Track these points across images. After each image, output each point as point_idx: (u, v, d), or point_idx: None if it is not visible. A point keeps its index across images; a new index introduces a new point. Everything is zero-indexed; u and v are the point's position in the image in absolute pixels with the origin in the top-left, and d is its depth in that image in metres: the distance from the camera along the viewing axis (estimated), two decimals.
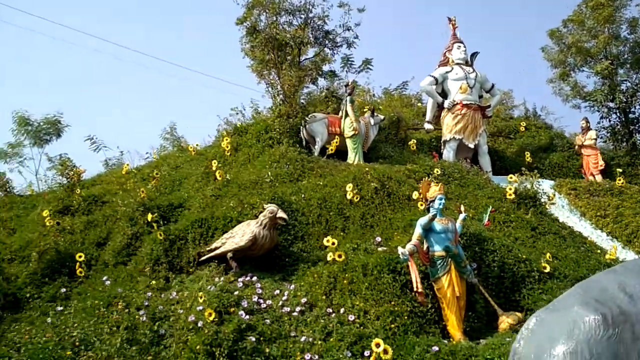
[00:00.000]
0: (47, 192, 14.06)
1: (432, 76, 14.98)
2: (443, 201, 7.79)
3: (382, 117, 14.01)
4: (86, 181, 14.27)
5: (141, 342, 6.84)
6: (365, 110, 14.39)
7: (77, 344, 6.57)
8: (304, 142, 13.23)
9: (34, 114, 16.70)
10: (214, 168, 11.69)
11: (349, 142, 13.18)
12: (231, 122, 16.56)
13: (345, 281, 7.82)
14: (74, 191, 12.53)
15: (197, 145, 15.52)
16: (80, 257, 9.77)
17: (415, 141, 14.33)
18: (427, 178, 9.38)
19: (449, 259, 7.60)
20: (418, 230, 7.63)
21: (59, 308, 8.56)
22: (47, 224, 11.15)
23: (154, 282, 8.80)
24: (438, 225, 7.64)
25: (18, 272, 9.81)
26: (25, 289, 9.35)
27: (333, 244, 8.41)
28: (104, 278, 9.03)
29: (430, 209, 7.83)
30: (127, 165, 14.79)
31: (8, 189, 14.41)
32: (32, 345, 6.66)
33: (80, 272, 9.66)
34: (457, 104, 14.62)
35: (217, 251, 8.89)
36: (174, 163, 14.84)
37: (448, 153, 14.36)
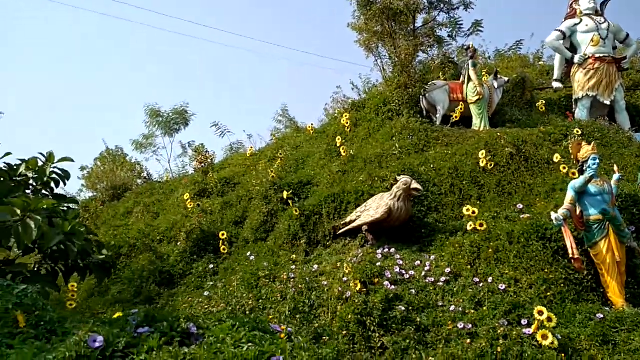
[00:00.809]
0: (182, 178, 15.08)
1: (560, 30, 13.86)
2: (597, 161, 7.22)
3: (506, 79, 13.26)
4: (215, 165, 15.07)
5: (302, 311, 7.14)
6: (484, 74, 13.71)
7: (247, 312, 7.00)
8: (424, 112, 12.90)
9: (163, 106, 17.99)
10: (338, 144, 11.81)
11: (473, 108, 12.64)
12: (338, 99, 16.66)
13: (490, 250, 7.57)
14: (208, 175, 13.31)
15: (311, 125, 15.79)
16: (222, 235, 10.41)
17: (543, 102, 13.41)
18: (577, 138, 8.76)
19: (606, 223, 7.06)
20: (570, 194, 7.15)
21: (210, 283, 9.22)
22: (189, 206, 11.99)
23: (294, 255, 9.14)
24: (593, 187, 7.11)
25: (169, 252, 10.67)
26: (177, 266, 10.15)
27: (473, 212, 8.17)
28: (248, 253, 9.54)
29: (587, 169, 7.28)
30: (251, 148, 15.41)
31: (147, 177, 15.65)
32: (212, 315, 7.19)
33: (224, 249, 10.29)
34: (588, 58, 13.42)
35: (353, 224, 9.01)
36: (293, 143, 15.20)
37: (581, 112, 13.28)
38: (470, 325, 6.46)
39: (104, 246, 6.49)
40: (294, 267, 8.58)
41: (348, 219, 9.17)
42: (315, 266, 8.49)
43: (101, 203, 14.62)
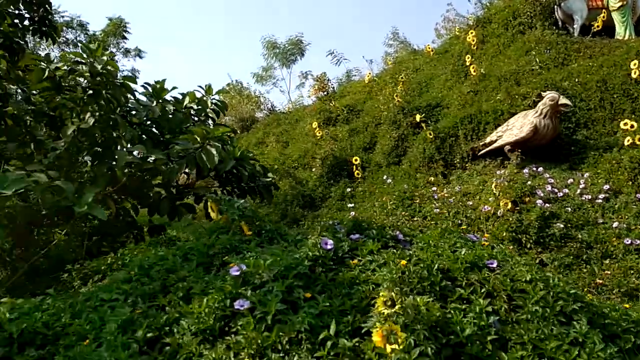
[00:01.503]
0: (304, 107, 15.42)
1: None
2: None
3: None
4: (334, 94, 15.19)
5: (450, 230, 7.24)
6: None
7: None
8: (559, 23, 11.92)
9: (279, 38, 18.24)
10: (467, 63, 11.35)
11: (615, 15, 11.46)
12: (450, 18, 15.79)
13: None
14: (332, 103, 13.50)
15: (429, 46, 15.23)
16: (356, 160, 10.65)
17: None
18: None
19: None
20: None
21: (350, 205, 9.59)
22: (317, 134, 12.33)
23: (432, 178, 9.18)
24: None
25: (306, 177, 11.17)
26: (316, 190, 10.64)
27: (631, 127, 7.62)
28: (384, 177, 9.74)
29: None
30: (369, 74, 15.29)
31: (271, 108, 16.20)
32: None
33: (358, 174, 10.57)
34: None
35: (494, 145, 8.81)
36: (412, 67, 14.84)
37: None
38: (638, 241, 6.21)
39: (268, 170, 6.94)
40: (434, 188, 8.65)
41: (488, 140, 8.96)
42: (457, 187, 8.49)
43: (232, 134, 15.41)
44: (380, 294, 2.33)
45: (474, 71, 11.10)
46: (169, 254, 3.60)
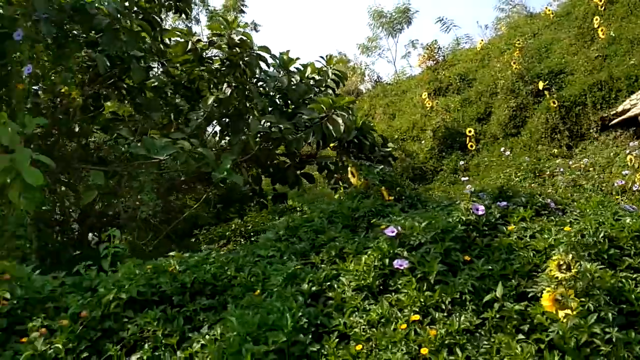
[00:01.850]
0: (411, 78, 15.15)
1: None
2: None
3: None
4: (444, 62, 14.75)
5: None
6: None
7: None
8: None
9: (386, 7, 17.88)
10: (595, 25, 10.50)
11: None
12: None
13: None
14: (442, 72, 13.13)
15: (548, 8, 14.22)
16: (470, 132, 10.34)
17: None
18: None
19: None
20: None
21: (464, 178, 9.36)
22: (427, 105, 12.09)
23: (555, 150, 8.71)
24: None
25: (417, 150, 11.04)
26: (427, 163, 10.50)
27: None
28: (502, 149, 9.38)
29: None
30: (482, 41, 14.64)
31: (377, 79, 16.09)
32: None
33: (471, 146, 10.27)
34: None
35: (627, 114, 8.14)
36: (529, 31, 13.97)
37: None
38: None
39: (387, 140, 6.96)
40: (558, 161, 8.21)
41: (620, 108, 8.30)
42: (585, 160, 7.98)
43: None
44: (554, 257, 2.27)
45: (603, 34, 10.25)
46: (314, 216, 3.76)
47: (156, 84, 6.14)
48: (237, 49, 5.37)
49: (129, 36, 4.67)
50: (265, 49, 5.72)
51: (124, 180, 5.76)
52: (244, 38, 5.45)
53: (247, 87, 5.63)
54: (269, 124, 5.96)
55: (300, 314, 2.49)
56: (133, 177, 5.48)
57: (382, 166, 4.07)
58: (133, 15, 5.03)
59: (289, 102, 6.65)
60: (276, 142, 6.24)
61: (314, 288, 2.78)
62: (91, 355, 2.85)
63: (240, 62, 5.39)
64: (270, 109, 6.42)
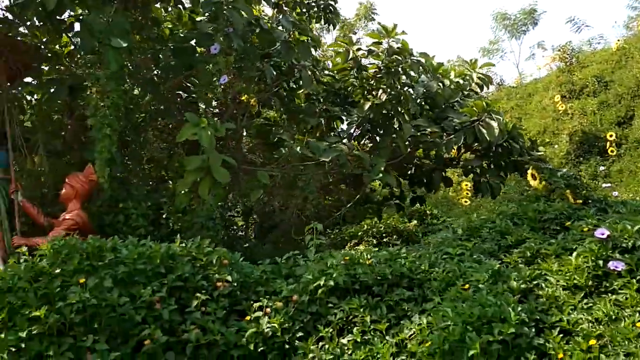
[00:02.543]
0: (536, 81, 14.60)
1: None
2: None
3: None
4: (575, 64, 14.06)
5: None
6: None
7: None
8: None
9: (510, 9, 17.35)
10: None
11: None
12: None
13: None
14: (573, 74, 12.55)
15: None
16: (610, 136, 9.81)
17: None
18: None
19: None
20: None
21: (605, 185, 8.89)
22: (559, 108, 11.61)
23: None
24: None
25: (550, 154, 10.64)
26: (562, 168, 10.09)
27: None
28: None
29: None
30: (618, 41, 13.76)
31: (500, 82, 15.67)
32: None
33: (612, 151, 9.72)
34: None
35: None
36: None
37: None
38: None
39: (536, 143, 6.80)
40: None
41: None
42: None
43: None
44: None
45: None
46: (495, 218, 3.83)
47: (309, 91, 6.51)
48: (395, 56, 5.57)
49: (302, 47, 5.03)
50: (425, 55, 5.87)
51: (286, 179, 6.19)
52: (401, 46, 5.64)
53: (401, 92, 5.80)
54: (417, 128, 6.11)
55: (519, 308, 2.60)
56: (294, 177, 5.88)
57: (565, 170, 4.06)
58: (300, 29, 5.39)
59: (433, 106, 6.75)
60: (425, 146, 6.36)
61: (523, 285, 2.86)
62: (303, 335, 3.15)
63: (399, 69, 5.58)
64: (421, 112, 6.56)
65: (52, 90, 4.93)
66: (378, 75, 5.79)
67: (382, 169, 5.64)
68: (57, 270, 2.93)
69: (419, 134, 6.11)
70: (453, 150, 6.81)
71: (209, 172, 4.68)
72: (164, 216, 4.94)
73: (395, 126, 6.16)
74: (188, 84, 5.82)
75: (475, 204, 10.45)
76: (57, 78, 5.03)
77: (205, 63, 4.79)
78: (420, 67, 6.28)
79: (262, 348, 3.06)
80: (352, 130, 6.38)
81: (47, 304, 2.77)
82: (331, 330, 3.11)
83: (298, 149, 5.67)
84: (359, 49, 5.70)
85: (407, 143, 6.19)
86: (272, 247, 6.12)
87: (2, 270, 2.99)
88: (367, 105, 5.79)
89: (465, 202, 9.81)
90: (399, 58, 5.52)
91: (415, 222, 8.82)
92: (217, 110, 6.23)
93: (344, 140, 6.15)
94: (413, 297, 3.22)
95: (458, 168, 6.96)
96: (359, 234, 8.71)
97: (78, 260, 2.98)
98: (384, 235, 8.61)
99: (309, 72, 5.47)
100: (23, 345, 2.65)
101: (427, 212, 9.35)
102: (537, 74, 15.02)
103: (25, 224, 4.65)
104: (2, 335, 2.64)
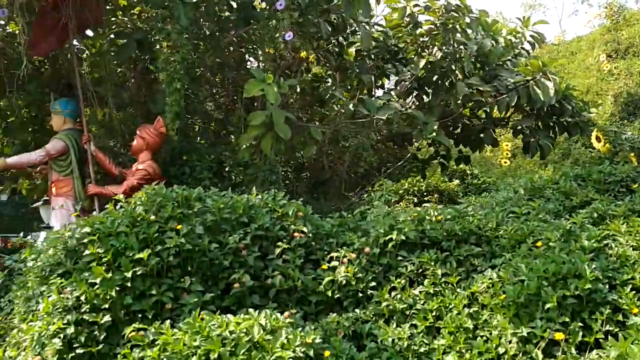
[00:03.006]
0: (580, 38, 14.21)
1: None
2: None
3: None
4: (624, 21, 13.57)
5: None
6: None
7: None
8: None
9: None
10: None
11: None
12: None
13: None
14: (619, 33, 12.17)
15: None
16: None
17: None
18: None
19: None
20: None
21: None
22: (604, 68, 11.35)
23: None
24: None
25: (594, 116, 10.49)
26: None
27: None
28: None
29: None
30: None
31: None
32: None
33: None
34: None
35: None
36: None
37: None
38: None
39: (588, 105, 6.76)
40: None
41: None
42: None
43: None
44: None
45: None
46: (559, 178, 3.93)
47: (361, 48, 6.51)
48: (452, 13, 5.54)
49: (363, 2, 5.04)
50: (484, 12, 5.82)
51: (335, 137, 6.32)
52: (459, 3, 5.60)
53: (456, 50, 5.80)
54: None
55: (593, 266, 2.74)
56: (347, 135, 6.00)
57: (630, 132, 4.10)
58: None
59: (485, 64, 6.71)
60: (476, 105, 6.38)
61: (594, 244, 2.99)
62: (375, 285, 3.35)
63: (457, 26, 5.56)
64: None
65: (121, 43, 5.07)
66: (433, 32, 5.78)
67: (435, 127, 5.71)
68: (153, 217, 3.15)
69: (471, 92, 6.13)
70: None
71: (271, 128, 4.84)
72: (226, 169, 5.14)
73: (447, 85, 6.19)
74: (243, 40, 5.89)
75: (515, 164, 10.48)
76: (126, 31, 5.16)
77: (268, 19, 4.85)
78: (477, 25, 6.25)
79: (337, 295, 3.26)
80: (400, 88, 6.41)
81: (147, 248, 3.01)
82: (402, 281, 3.30)
83: (350, 106, 5.76)
84: (415, 5, 5.67)
85: (458, 102, 6.22)
86: (323, 201, 6.32)
87: (101, 216, 3.22)
88: (422, 63, 5.81)
89: (505, 162, 9.83)
90: (456, 15, 5.49)
91: (456, 181, 8.92)
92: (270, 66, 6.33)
93: (395, 98, 6.22)
94: (482, 253, 3.37)
95: (507, 128, 6.98)
96: (400, 192, 8.86)
97: (172, 208, 3.19)
98: (424, 194, 8.76)
99: (366, 29, 5.48)
100: (128, 284, 2.90)
101: (467, 172, 9.43)
102: (581, 31, 14.55)
103: (97, 172, 4.91)
104: (110, 275, 2.89)
